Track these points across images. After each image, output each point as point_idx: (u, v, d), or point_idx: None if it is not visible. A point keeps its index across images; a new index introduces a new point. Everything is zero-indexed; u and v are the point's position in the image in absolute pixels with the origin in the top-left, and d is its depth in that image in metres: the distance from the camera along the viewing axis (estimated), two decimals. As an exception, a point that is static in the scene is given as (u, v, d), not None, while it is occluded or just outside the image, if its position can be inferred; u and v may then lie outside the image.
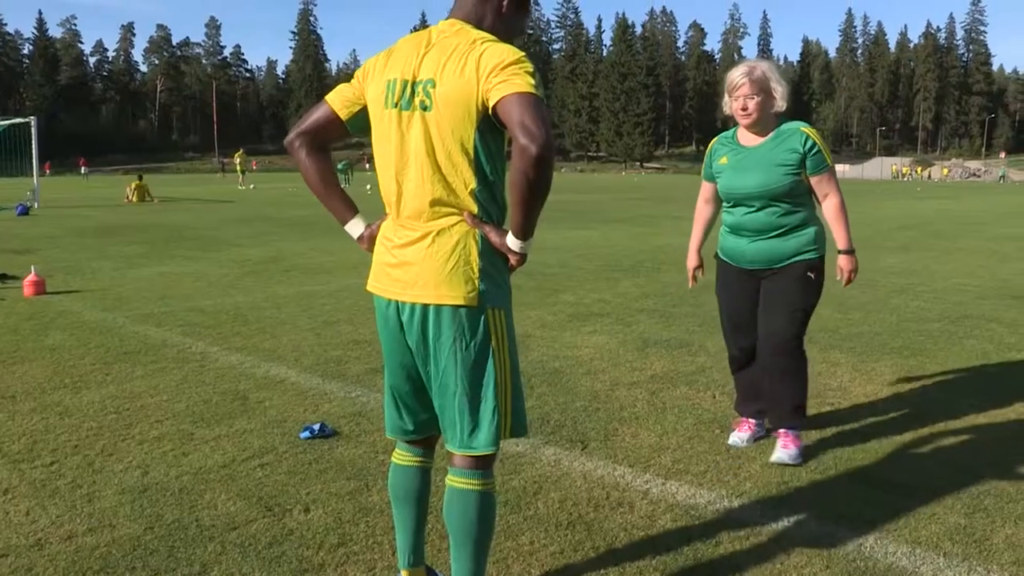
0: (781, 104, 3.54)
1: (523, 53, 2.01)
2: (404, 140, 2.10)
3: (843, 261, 3.63)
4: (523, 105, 1.91)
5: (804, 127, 3.57)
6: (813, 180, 3.54)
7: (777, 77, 3.55)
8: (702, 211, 3.94)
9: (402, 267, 2.13)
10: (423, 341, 2.14)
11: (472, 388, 2.12)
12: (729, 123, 3.77)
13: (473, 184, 2.06)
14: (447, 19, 2.18)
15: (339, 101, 2.24)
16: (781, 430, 3.65)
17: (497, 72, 1.95)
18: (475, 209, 2.08)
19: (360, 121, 2.24)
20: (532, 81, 1.94)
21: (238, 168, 40.05)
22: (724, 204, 3.76)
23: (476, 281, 2.07)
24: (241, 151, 43.26)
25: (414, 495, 2.37)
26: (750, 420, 3.86)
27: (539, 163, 1.88)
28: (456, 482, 2.18)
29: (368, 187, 28.81)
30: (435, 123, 2.04)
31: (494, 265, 2.11)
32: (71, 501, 3.12)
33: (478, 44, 2.02)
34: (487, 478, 2.18)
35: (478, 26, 2.13)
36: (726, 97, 3.60)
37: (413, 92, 2.07)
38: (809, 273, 3.56)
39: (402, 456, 2.39)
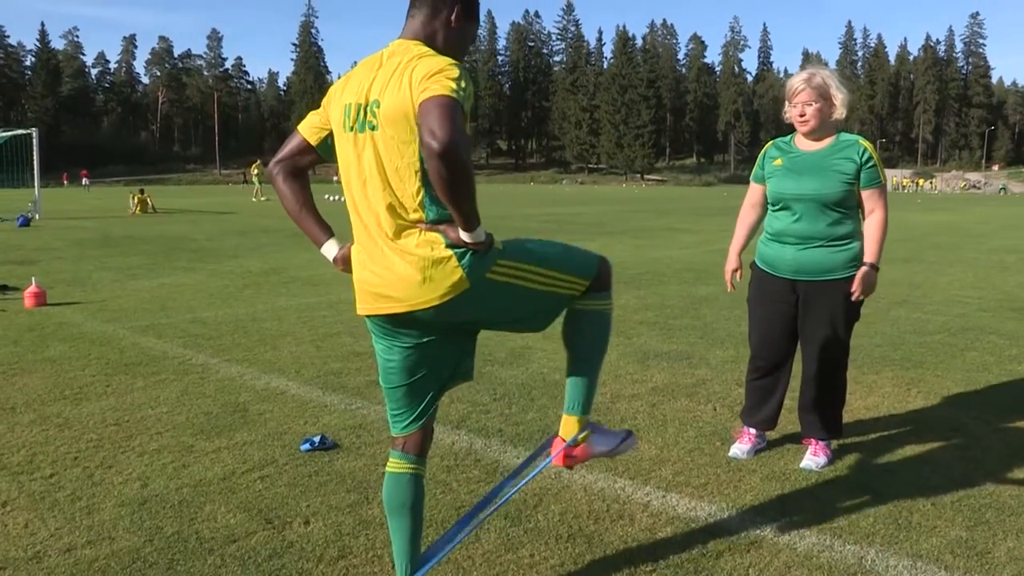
0: (841, 111, 3.52)
1: (454, 62, 2.08)
2: (360, 161, 2.19)
3: (862, 272, 3.55)
4: (433, 107, 1.95)
5: (862, 140, 3.56)
6: (864, 193, 3.53)
7: (837, 84, 3.52)
8: (747, 215, 3.88)
9: (388, 286, 2.19)
10: (448, 331, 2.29)
11: (533, 306, 2.32)
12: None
13: (421, 195, 2.13)
14: (397, 39, 2.25)
15: (308, 129, 2.36)
16: (814, 439, 3.73)
17: (423, 81, 2.02)
18: (425, 216, 2.15)
19: (329, 146, 2.34)
20: (452, 86, 1.99)
21: (254, 179, 39.69)
22: (770, 209, 3.74)
23: (460, 267, 2.14)
24: (258, 162, 42.88)
25: (408, 503, 2.41)
26: (751, 431, 3.86)
27: (442, 161, 1.91)
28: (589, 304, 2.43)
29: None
30: (382, 141, 2.12)
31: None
32: (70, 513, 3.11)
33: (415, 60, 2.10)
34: (608, 299, 2.49)
35: (429, 42, 2.20)
36: (786, 104, 3.62)
37: (365, 114, 2.15)
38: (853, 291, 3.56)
39: (396, 464, 2.43)
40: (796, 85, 3.53)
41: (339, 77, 2.39)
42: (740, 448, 3.81)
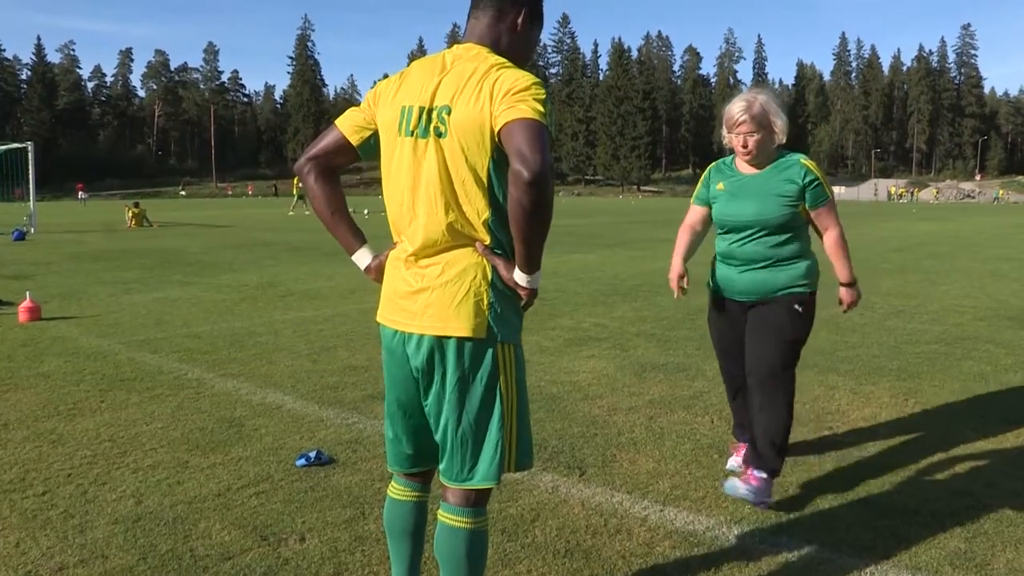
0: (781, 138, 3.45)
1: (538, 79, 1.98)
2: (418, 167, 2.06)
3: (843, 293, 3.59)
4: (522, 131, 1.87)
5: (803, 159, 3.47)
6: (813, 213, 3.47)
7: (776, 109, 3.44)
8: (682, 237, 3.76)
9: (411, 297, 2.09)
10: (428, 372, 2.10)
11: (477, 423, 2.09)
12: (727, 150, 3.74)
13: (487, 214, 2.03)
14: (462, 43, 2.14)
15: (350, 126, 2.20)
16: (749, 465, 3.45)
17: (507, 98, 1.92)
18: (488, 239, 2.05)
19: (371, 147, 2.20)
20: (541, 108, 1.91)
21: (295, 192, 39.21)
22: (717, 231, 3.66)
23: (485, 313, 2.04)
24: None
25: (410, 529, 2.34)
26: (745, 445, 3.84)
27: (531, 189, 1.83)
28: (447, 519, 2.14)
29: (366, 212, 28.84)
30: (450, 150, 2.01)
31: (505, 298, 2.07)
32: (63, 532, 3.08)
33: (494, 70, 1.99)
34: (479, 516, 2.14)
35: (495, 48, 2.10)
36: (724, 130, 3.51)
37: (429, 119, 2.03)
38: (796, 306, 3.42)
39: (398, 490, 2.35)
40: (736, 115, 3.42)
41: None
42: (736, 460, 3.79)
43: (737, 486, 3.31)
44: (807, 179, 3.40)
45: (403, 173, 2.09)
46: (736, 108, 3.43)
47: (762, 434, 3.40)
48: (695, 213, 3.76)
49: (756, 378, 3.45)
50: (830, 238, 3.52)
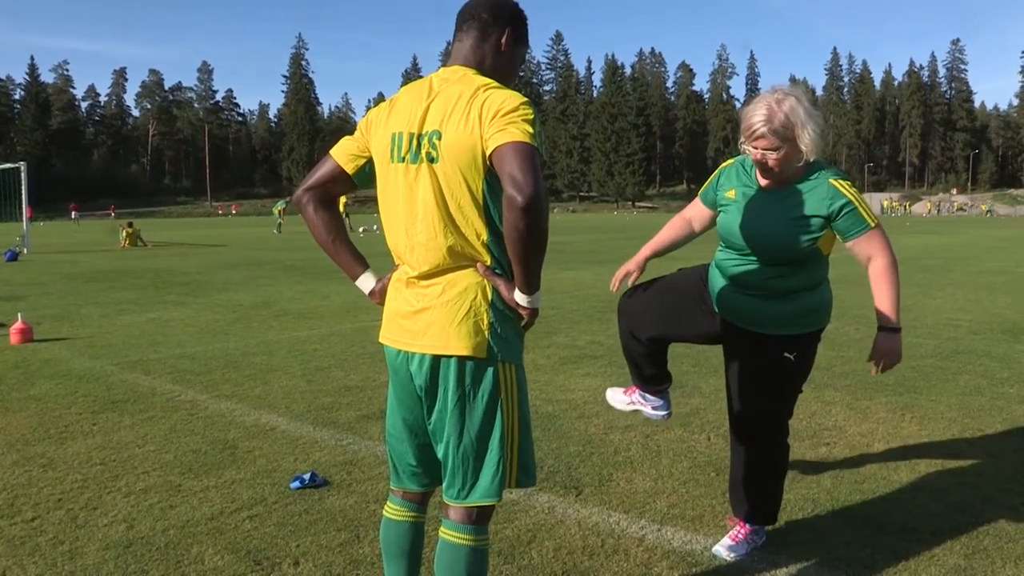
0: (810, 154, 2.78)
1: (525, 99, 1.99)
2: (413, 193, 2.07)
3: (879, 343, 2.83)
4: (514, 155, 1.88)
5: (834, 178, 2.82)
6: (849, 244, 2.84)
7: (803, 118, 2.74)
8: (669, 227, 3.29)
9: (413, 317, 2.11)
10: (431, 391, 2.13)
11: (478, 440, 2.10)
12: (722, 160, 3.41)
13: (485, 235, 2.04)
14: (448, 66, 2.16)
15: (344, 156, 2.23)
16: (740, 520, 3.16)
17: (496, 120, 1.94)
18: (488, 260, 2.07)
19: (366, 174, 2.23)
20: (530, 130, 1.92)
21: (276, 213, 38.90)
22: (718, 241, 3.13)
23: (485, 332, 2.06)
24: (283, 200, 43.31)
25: (406, 550, 2.32)
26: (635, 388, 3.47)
27: (526, 214, 1.85)
28: (448, 535, 2.14)
29: (361, 229, 28.83)
30: (443, 174, 2.02)
31: (505, 318, 2.09)
32: (52, 559, 3.04)
33: (481, 92, 2.00)
34: (480, 534, 2.14)
35: (480, 69, 2.12)
36: (742, 138, 2.86)
37: (419, 144, 2.05)
38: (788, 354, 2.92)
39: (395, 511, 2.34)
40: (755, 126, 2.77)
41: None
42: (622, 398, 3.50)
43: (722, 549, 3.07)
44: (836, 205, 2.79)
45: (399, 200, 2.11)
46: (756, 117, 2.78)
47: (758, 491, 3.11)
48: (697, 208, 3.23)
49: (752, 436, 3.10)
50: (877, 268, 2.84)
